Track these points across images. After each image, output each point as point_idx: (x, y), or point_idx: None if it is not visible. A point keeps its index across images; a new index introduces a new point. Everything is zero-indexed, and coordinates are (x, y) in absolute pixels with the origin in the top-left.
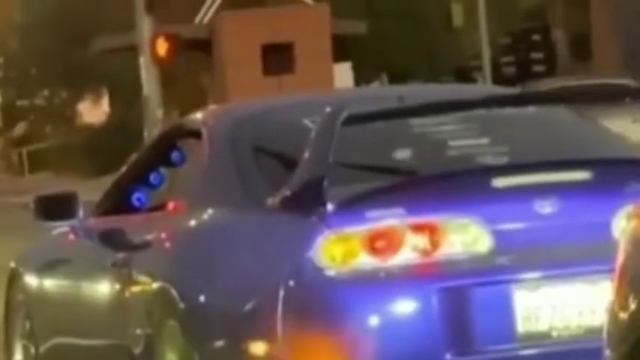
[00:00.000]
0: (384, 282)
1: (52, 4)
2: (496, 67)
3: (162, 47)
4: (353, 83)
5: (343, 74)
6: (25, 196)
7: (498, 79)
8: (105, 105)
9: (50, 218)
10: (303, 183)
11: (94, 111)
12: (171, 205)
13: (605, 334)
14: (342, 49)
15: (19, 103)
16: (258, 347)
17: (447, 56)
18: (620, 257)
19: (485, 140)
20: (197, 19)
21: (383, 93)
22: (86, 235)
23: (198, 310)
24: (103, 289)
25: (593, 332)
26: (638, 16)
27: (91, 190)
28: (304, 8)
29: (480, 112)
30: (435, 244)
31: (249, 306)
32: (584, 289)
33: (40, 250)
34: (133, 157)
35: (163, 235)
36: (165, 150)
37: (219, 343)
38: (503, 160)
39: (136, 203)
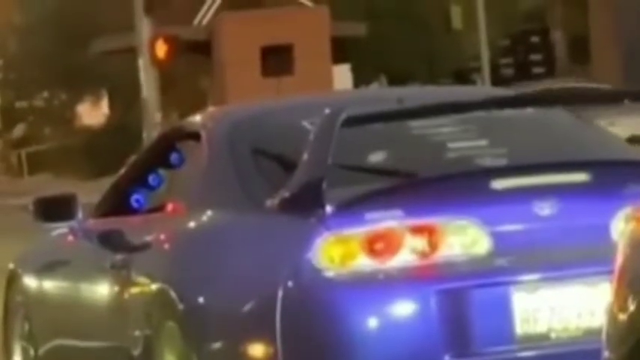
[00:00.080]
0: (383, 284)
1: (51, 5)
2: (495, 68)
3: (161, 49)
4: (352, 85)
5: (342, 76)
6: (24, 197)
7: (497, 80)
8: (104, 107)
9: (49, 220)
10: (302, 184)
11: (93, 113)
12: (170, 207)
13: (604, 336)
14: (341, 51)
15: (18, 104)
16: (257, 349)
17: (446, 58)
18: (619, 259)
19: (483, 142)
20: (196, 21)
21: (382, 95)
22: (85, 237)
23: (197, 311)
24: (102, 290)
25: (591, 334)
26: (636, 18)
27: (90, 192)
28: (303, 10)
29: (479, 114)
30: (433, 246)
31: (248, 307)
32: (582, 291)
33: (39, 251)
34: (132, 158)
35: (162, 237)
36: (165, 152)
37: (218, 345)
38: (501, 162)
39: (134, 205)
